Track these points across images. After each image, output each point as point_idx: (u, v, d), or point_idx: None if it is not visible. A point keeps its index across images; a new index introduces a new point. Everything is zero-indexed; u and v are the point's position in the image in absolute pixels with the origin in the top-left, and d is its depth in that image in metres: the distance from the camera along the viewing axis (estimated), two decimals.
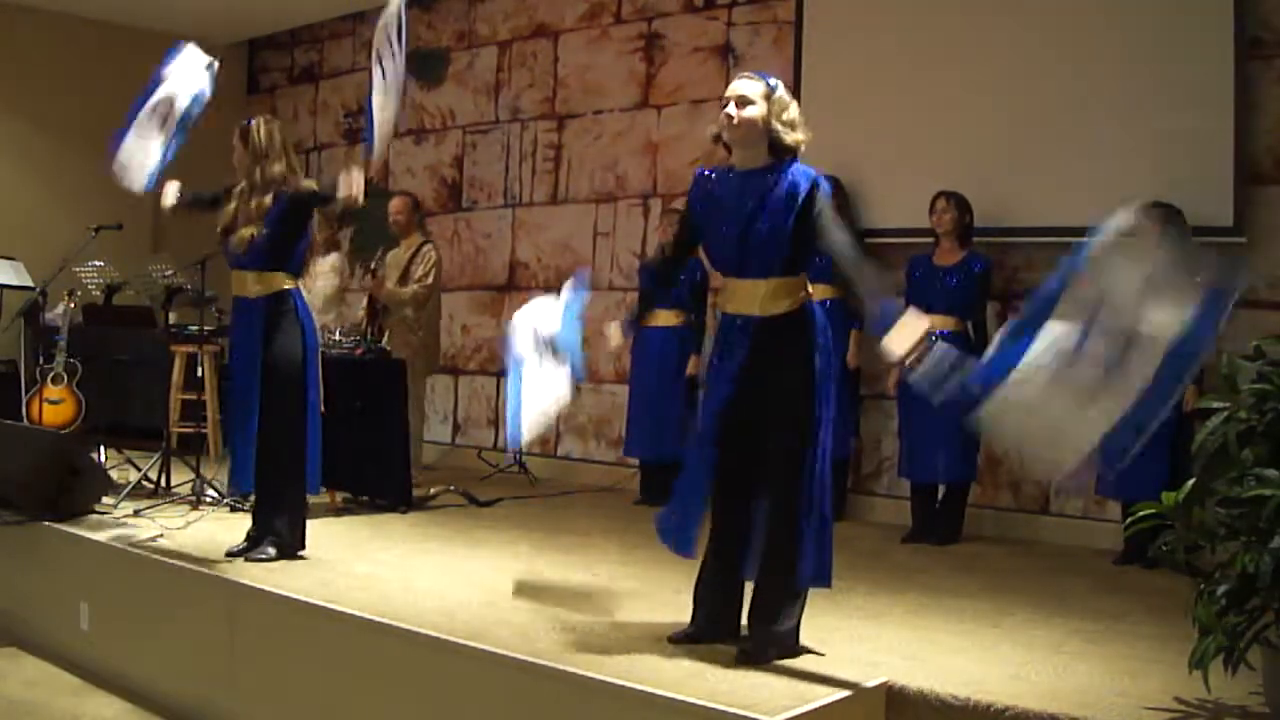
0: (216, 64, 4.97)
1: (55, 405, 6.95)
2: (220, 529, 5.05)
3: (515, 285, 8.33)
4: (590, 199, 7.94)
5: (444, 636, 3.53)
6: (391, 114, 4.54)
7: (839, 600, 3.93)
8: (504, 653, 3.37)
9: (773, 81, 3.44)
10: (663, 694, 3.01)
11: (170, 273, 6.59)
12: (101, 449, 6.64)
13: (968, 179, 5.86)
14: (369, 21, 9.46)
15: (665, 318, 6.59)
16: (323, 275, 6.98)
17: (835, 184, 6.16)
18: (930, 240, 5.84)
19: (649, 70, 7.69)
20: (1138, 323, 2.87)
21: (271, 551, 4.54)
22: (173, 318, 6.63)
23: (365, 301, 6.85)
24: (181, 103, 4.77)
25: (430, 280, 6.75)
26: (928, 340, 3.13)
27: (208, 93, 4.89)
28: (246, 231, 4.53)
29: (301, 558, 4.62)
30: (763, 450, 3.44)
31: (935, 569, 5.01)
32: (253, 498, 4.73)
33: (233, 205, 4.63)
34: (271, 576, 4.25)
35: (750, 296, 3.45)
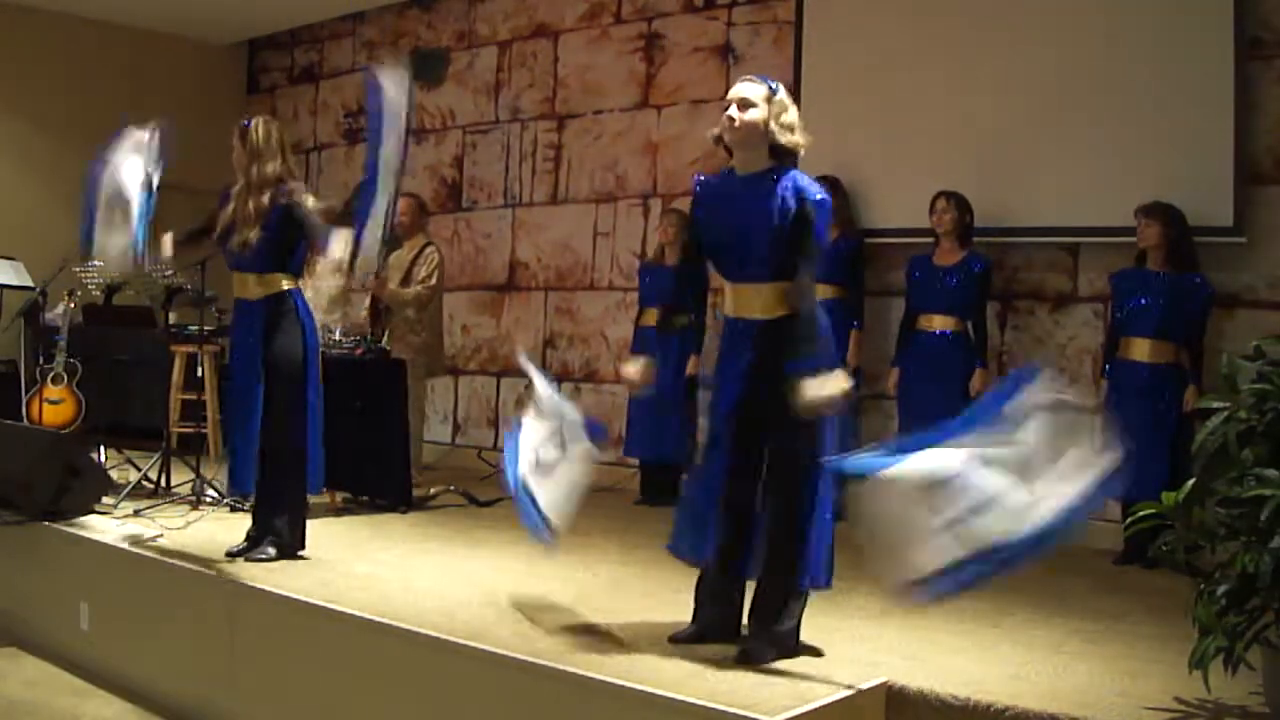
0: (157, 133, 4.95)
1: (55, 405, 6.95)
2: (220, 529, 5.05)
3: (515, 285, 8.34)
4: (590, 199, 7.93)
5: (444, 636, 3.53)
6: (385, 205, 4.53)
7: (839, 600, 3.93)
8: (504, 653, 3.37)
9: (774, 84, 3.44)
10: (663, 694, 3.01)
11: (170, 273, 6.59)
12: (101, 449, 6.64)
13: (968, 179, 5.86)
14: (369, 21, 9.48)
15: None
16: (327, 275, 6.98)
17: (835, 184, 6.20)
18: (930, 240, 5.84)
19: (649, 70, 7.69)
20: (1023, 484, 2.92)
21: (271, 551, 4.55)
22: (173, 318, 6.63)
23: (368, 302, 6.85)
24: (131, 189, 4.77)
25: (433, 282, 6.75)
26: (846, 400, 3.27)
27: (157, 166, 4.86)
28: (246, 234, 4.53)
29: (301, 558, 4.62)
30: (767, 450, 3.44)
31: None
32: (253, 498, 4.73)
33: (231, 207, 4.63)
34: (271, 576, 4.25)
35: (751, 300, 3.45)
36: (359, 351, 6.17)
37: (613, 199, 7.82)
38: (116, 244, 4.81)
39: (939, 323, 5.72)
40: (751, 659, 3.32)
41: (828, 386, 3.23)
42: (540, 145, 8.25)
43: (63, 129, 9.15)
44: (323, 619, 3.86)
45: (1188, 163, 5.47)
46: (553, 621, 3.76)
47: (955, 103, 6.21)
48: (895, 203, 6.34)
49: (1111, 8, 5.80)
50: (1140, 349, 5.26)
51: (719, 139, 3.47)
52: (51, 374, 6.99)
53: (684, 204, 7.00)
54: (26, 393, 7.09)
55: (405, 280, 6.75)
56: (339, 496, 6.00)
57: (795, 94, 3.92)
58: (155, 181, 4.85)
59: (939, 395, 5.63)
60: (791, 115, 3.42)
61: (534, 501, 3.67)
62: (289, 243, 4.63)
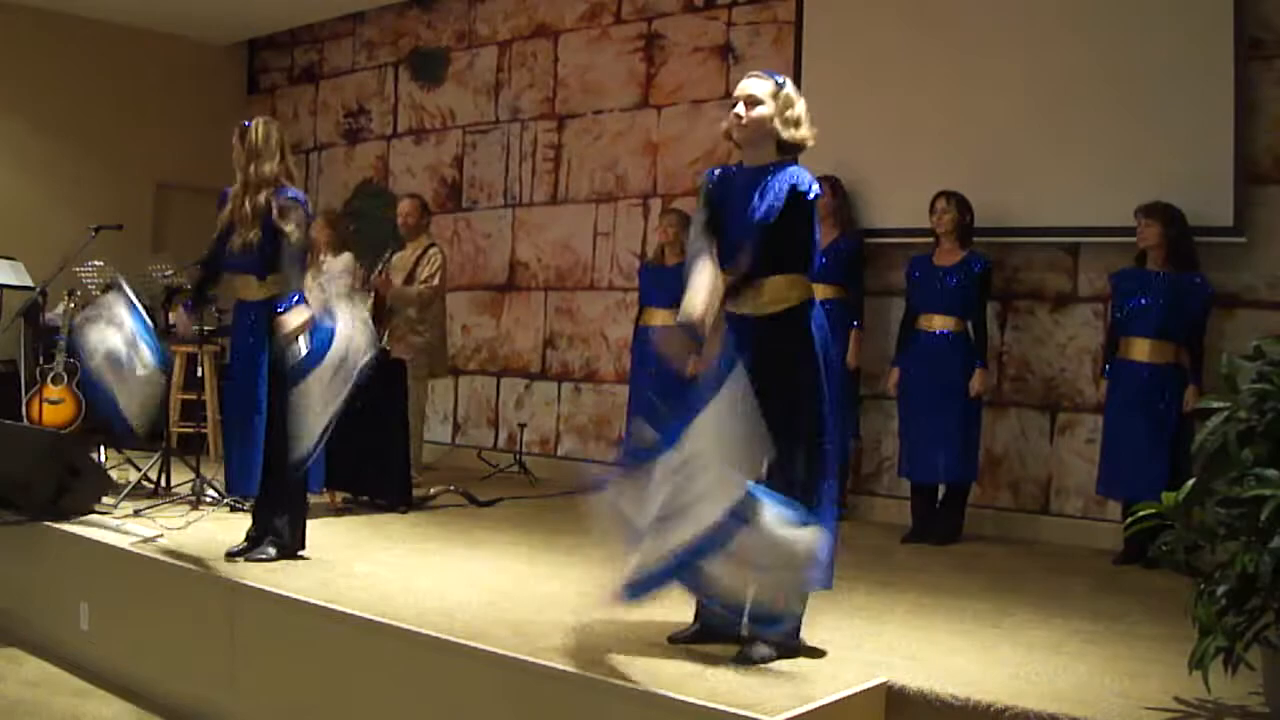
0: (122, 280, 4.97)
1: (55, 405, 6.95)
2: (220, 529, 5.05)
3: (515, 285, 8.34)
4: (590, 199, 7.94)
5: (444, 636, 3.53)
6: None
7: (839, 600, 3.93)
8: (504, 653, 3.37)
9: (780, 79, 3.46)
10: (663, 694, 3.01)
11: (170, 273, 6.60)
12: (101, 449, 6.64)
13: (968, 179, 5.86)
14: (369, 21, 9.48)
15: (664, 317, 6.60)
16: (336, 276, 7.00)
17: (835, 184, 6.20)
18: (930, 240, 5.84)
19: (649, 70, 7.69)
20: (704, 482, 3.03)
21: (271, 551, 4.54)
22: (172, 318, 6.63)
23: (371, 302, 6.86)
24: (122, 349, 4.77)
25: (436, 281, 6.77)
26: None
27: (141, 321, 4.86)
28: (245, 235, 4.52)
29: (301, 558, 4.62)
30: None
31: (935, 569, 5.01)
32: (253, 498, 4.73)
33: (229, 208, 4.62)
34: (271, 576, 4.25)
35: (751, 295, 3.45)
36: None
37: (613, 199, 7.82)
38: (141, 394, 4.78)
39: (939, 323, 5.72)
40: (751, 659, 3.32)
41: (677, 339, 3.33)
42: (540, 145, 8.25)
43: (63, 129, 9.17)
44: (323, 619, 3.86)
45: (1188, 163, 5.47)
46: (553, 621, 3.75)
47: (955, 103, 6.21)
48: (895, 203, 6.34)
49: (1111, 8, 5.79)
50: (1140, 349, 5.26)
51: (728, 135, 3.49)
52: (51, 374, 7.00)
53: (684, 204, 7.02)
54: (26, 393, 7.10)
55: (408, 281, 6.77)
56: (339, 496, 6.00)
57: None
58: (138, 329, 4.83)
59: (939, 395, 5.64)
60: (798, 109, 3.44)
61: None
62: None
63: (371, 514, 5.88)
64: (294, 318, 4.49)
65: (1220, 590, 2.95)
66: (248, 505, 4.95)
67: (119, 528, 5.02)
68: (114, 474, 5.97)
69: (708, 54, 7.38)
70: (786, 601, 3.23)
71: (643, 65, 7.72)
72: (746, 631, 3.49)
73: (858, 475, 6.54)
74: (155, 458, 5.95)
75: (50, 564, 5.06)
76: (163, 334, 6.58)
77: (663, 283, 6.58)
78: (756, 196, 3.39)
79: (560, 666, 3.24)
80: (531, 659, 3.30)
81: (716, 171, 3.58)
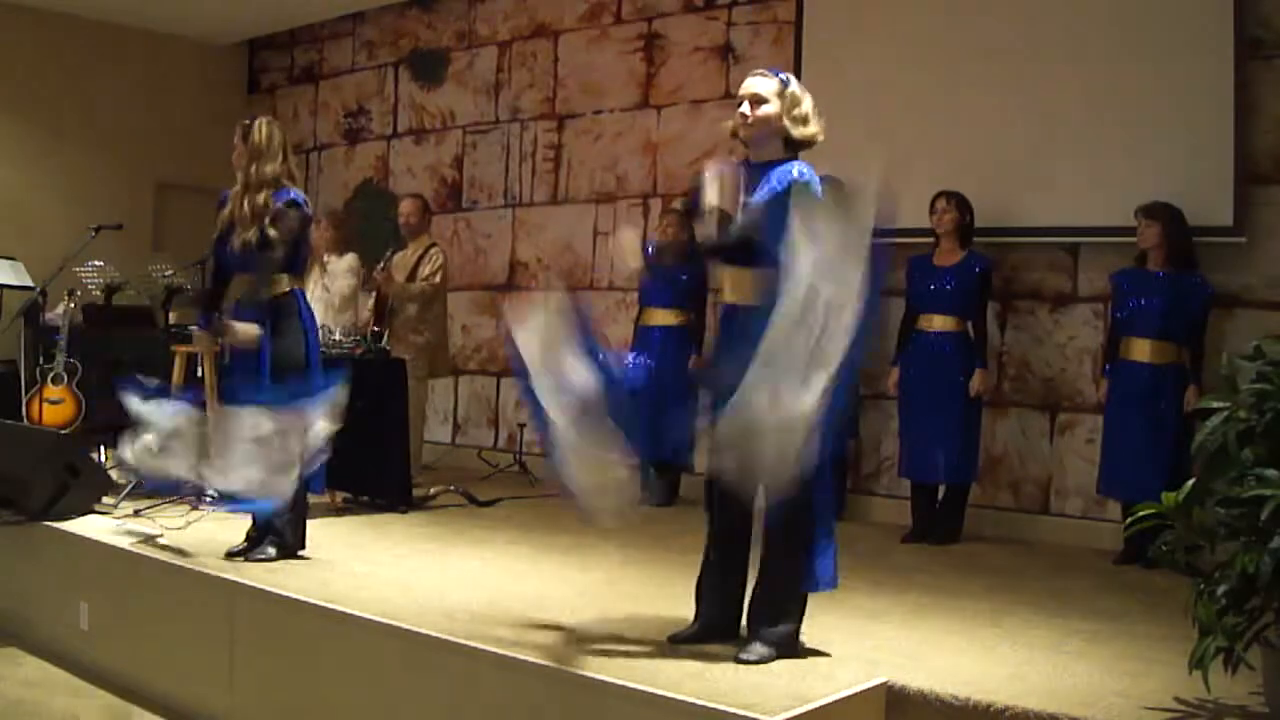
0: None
1: (55, 405, 6.95)
2: (220, 529, 5.05)
3: (515, 285, 8.33)
4: (590, 199, 7.94)
5: (444, 636, 3.53)
6: None
7: (839, 600, 3.92)
8: (504, 653, 3.37)
9: (785, 77, 3.47)
10: (663, 694, 3.01)
11: (170, 273, 6.59)
12: (101, 449, 6.64)
13: (968, 179, 5.86)
14: (369, 21, 9.48)
15: (665, 317, 6.61)
16: (341, 276, 7.01)
17: (836, 185, 6.18)
18: (930, 240, 5.84)
19: (649, 70, 7.69)
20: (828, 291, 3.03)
21: (271, 551, 4.54)
22: (173, 318, 6.63)
23: (372, 301, 6.87)
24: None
25: (437, 279, 6.78)
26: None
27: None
28: (245, 234, 4.52)
29: (301, 558, 4.62)
30: None
31: (935, 569, 5.01)
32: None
33: (229, 208, 4.62)
34: (271, 576, 4.25)
35: (738, 284, 3.48)
36: (359, 351, 6.17)
37: (613, 199, 7.82)
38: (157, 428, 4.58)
39: (939, 323, 5.72)
40: (751, 659, 3.32)
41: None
42: (540, 145, 8.25)
43: (63, 129, 9.17)
44: (323, 619, 3.86)
45: (1188, 163, 5.48)
46: (553, 621, 3.75)
47: (955, 103, 6.21)
48: (895, 203, 6.33)
49: (1111, 8, 5.79)
50: (1141, 349, 5.26)
51: (734, 134, 3.50)
52: (51, 374, 6.99)
53: (684, 204, 7.01)
54: (26, 393, 7.10)
55: (410, 280, 6.79)
56: (339, 496, 6.00)
57: None
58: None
59: (939, 395, 5.64)
60: (805, 106, 3.45)
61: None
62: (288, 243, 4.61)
63: (371, 514, 5.88)
64: (245, 331, 4.51)
65: (1220, 590, 2.95)
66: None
67: (119, 528, 5.02)
68: (114, 474, 5.97)
69: (708, 54, 7.38)
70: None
71: (643, 65, 7.72)
72: (746, 631, 3.50)
73: (858, 475, 6.54)
74: None
75: (50, 564, 5.06)
76: (163, 334, 6.59)
77: (662, 283, 6.58)
78: (756, 189, 3.41)
79: (560, 666, 3.24)
80: (531, 659, 3.30)
81: (720, 167, 3.60)
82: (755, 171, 3.48)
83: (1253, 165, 5.43)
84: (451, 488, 6.56)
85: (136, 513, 5.31)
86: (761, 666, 3.29)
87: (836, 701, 3.05)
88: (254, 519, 4.67)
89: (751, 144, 3.48)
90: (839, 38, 6.68)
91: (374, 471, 6.00)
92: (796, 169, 3.39)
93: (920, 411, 5.72)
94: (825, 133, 3.50)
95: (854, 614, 3.99)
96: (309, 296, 6.72)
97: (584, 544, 5.26)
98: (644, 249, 3.71)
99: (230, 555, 4.54)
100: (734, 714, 2.87)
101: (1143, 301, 5.27)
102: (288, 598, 4.01)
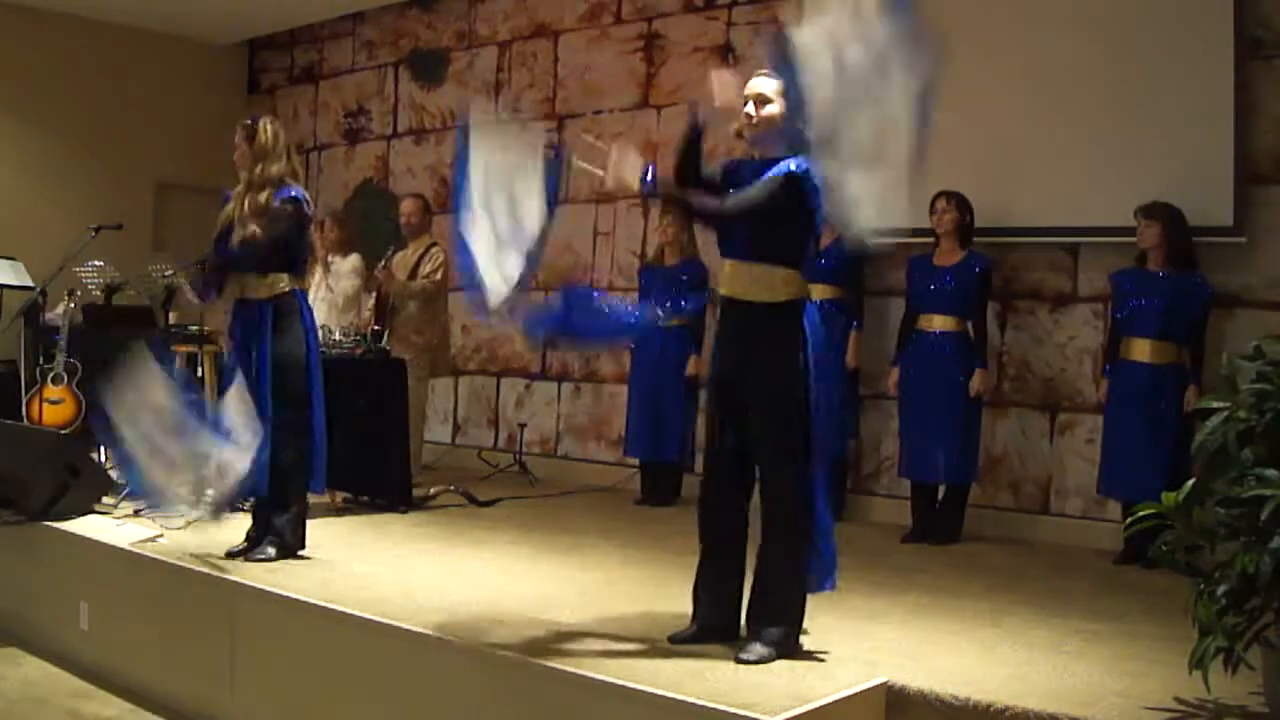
0: None
1: (55, 405, 6.95)
2: (220, 529, 5.05)
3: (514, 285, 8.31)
4: (590, 199, 7.93)
5: (444, 636, 3.53)
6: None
7: (839, 600, 3.92)
8: (504, 653, 3.37)
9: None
10: (663, 694, 3.01)
11: (170, 273, 6.58)
12: (101, 449, 6.63)
13: (968, 179, 5.85)
14: (369, 21, 9.48)
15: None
16: (345, 276, 7.02)
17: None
18: (930, 240, 5.84)
19: (649, 70, 7.68)
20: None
21: (271, 551, 4.54)
22: (173, 318, 6.63)
23: (373, 300, 6.88)
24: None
25: (438, 276, 6.79)
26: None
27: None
28: (242, 233, 4.52)
29: (301, 558, 4.62)
30: (754, 444, 3.46)
31: (935, 569, 5.01)
32: (253, 498, 4.73)
33: (230, 207, 4.62)
34: (271, 576, 4.25)
35: (733, 277, 3.50)
36: (359, 351, 6.17)
37: (613, 199, 7.81)
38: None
39: (939, 323, 5.71)
40: (751, 659, 3.32)
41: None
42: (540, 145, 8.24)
43: (63, 129, 9.17)
44: (323, 619, 3.86)
45: (1188, 163, 5.47)
46: (553, 621, 3.75)
47: (955, 103, 6.16)
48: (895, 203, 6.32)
49: (1111, 7, 5.79)
50: (1141, 349, 5.26)
51: (739, 134, 3.52)
52: (51, 374, 6.99)
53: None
54: (26, 393, 7.09)
55: (411, 279, 6.79)
56: (339, 496, 6.00)
57: None
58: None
59: (939, 395, 5.64)
60: None
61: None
62: (290, 242, 4.61)
63: (371, 514, 5.88)
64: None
65: (1220, 590, 2.95)
66: (248, 505, 4.95)
67: (119, 528, 5.02)
68: (114, 474, 5.96)
69: (708, 54, 7.37)
70: None
71: (643, 65, 7.72)
72: (745, 632, 3.50)
73: (858, 475, 6.54)
74: None
75: (50, 564, 5.06)
76: (163, 334, 6.59)
77: (662, 283, 6.58)
78: (754, 182, 3.44)
79: (560, 666, 3.24)
80: (531, 659, 3.30)
81: (726, 162, 3.62)
82: (757, 166, 3.50)
83: (1253, 165, 5.42)
84: (451, 488, 6.56)
85: (136, 513, 5.30)
86: (761, 666, 3.29)
87: (836, 701, 3.06)
88: (254, 519, 4.68)
89: (755, 144, 3.50)
90: None
91: (374, 471, 6.00)
92: (794, 163, 3.40)
93: (920, 411, 5.72)
94: None
95: (854, 614, 3.99)
96: (313, 297, 6.77)
97: (584, 544, 5.26)
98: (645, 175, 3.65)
99: (230, 555, 4.54)
100: (734, 714, 2.87)
101: (1143, 301, 5.27)
102: (288, 598, 4.01)
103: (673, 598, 3.96)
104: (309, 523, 4.76)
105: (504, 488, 6.98)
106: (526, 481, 7.36)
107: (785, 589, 3.43)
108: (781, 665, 3.32)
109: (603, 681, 3.12)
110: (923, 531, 5.68)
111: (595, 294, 3.95)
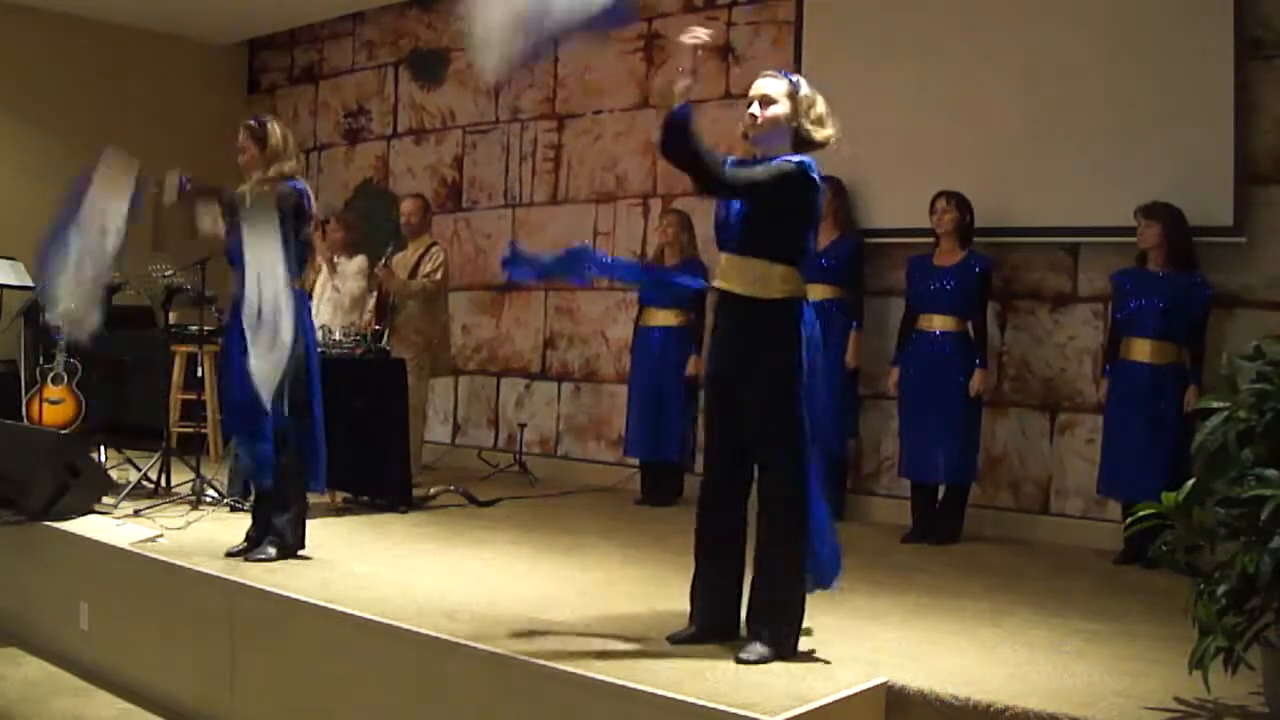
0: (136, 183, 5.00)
1: (55, 405, 6.96)
2: (220, 529, 5.06)
3: (515, 285, 8.33)
4: (590, 199, 7.93)
5: (444, 636, 3.53)
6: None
7: (839, 600, 3.93)
8: (504, 653, 3.37)
9: (795, 79, 3.50)
10: (663, 694, 3.01)
11: (170, 273, 6.59)
12: (101, 449, 6.64)
13: (968, 179, 5.86)
14: (369, 21, 9.48)
15: (665, 318, 6.61)
16: (351, 277, 7.02)
17: (836, 184, 6.19)
18: (930, 240, 5.84)
19: (649, 70, 7.68)
20: None
21: (271, 551, 4.55)
22: (173, 318, 6.63)
23: (374, 300, 6.88)
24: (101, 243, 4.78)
25: (439, 276, 6.80)
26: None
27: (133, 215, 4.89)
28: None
29: (302, 558, 4.62)
30: (750, 444, 3.47)
31: (935, 569, 5.01)
32: (253, 497, 4.73)
33: (240, 196, 4.64)
34: (271, 576, 4.25)
35: (727, 270, 3.50)
36: (359, 351, 6.17)
37: (613, 199, 7.81)
38: (75, 298, 4.76)
39: (939, 323, 5.71)
40: (751, 659, 3.32)
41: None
42: (540, 145, 8.25)
43: (62, 129, 9.15)
44: (323, 619, 3.87)
45: (1188, 163, 5.47)
46: (553, 621, 3.76)
47: (956, 103, 6.20)
48: (895, 203, 6.34)
49: (1111, 8, 5.79)
50: (1141, 349, 5.26)
51: (745, 135, 3.52)
52: (51, 374, 7.00)
53: (684, 204, 7.01)
54: (26, 393, 7.10)
55: (411, 278, 6.80)
56: (339, 496, 6.00)
57: None
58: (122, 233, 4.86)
59: (939, 395, 5.64)
60: (820, 108, 3.49)
61: None
62: (287, 236, 4.62)
63: (371, 514, 5.88)
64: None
65: (1220, 590, 2.95)
66: (248, 505, 4.96)
67: (119, 528, 5.02)
68: (114, 474, 5.97)
69: (708, 54, 7.35)
70: None
71: (643, 65, 7.72)
72: (745, 632, 3.51)
73: (858, 475, 6.54)
74: (155, 458, 5.95)
75: (50, 564, 5.06)
76: (163, 334, 6.61)
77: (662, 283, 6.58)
78: None
79: (560, 666, 3.24)
80: (531, 659, 3.30)
81: (730, 158, 3.63)
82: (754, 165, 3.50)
83: (1253, 165, 5.42)
84: (451, 488, 6.56)
85: (136, 513, 5.31)
86: (761, 666, 3.29)
87: (836, 701, 3.06)
88: (254, 519, 4.68)
89: (760, 145, 3.50)
90: (839, 38, 6.68)
91: (374, 471, 6.00)
92: (798, 159, 3.40)
93: (920, 411, 5.72)
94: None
95: (854, 614, 3.99)
96: (319, 297, 6.78)
97: (584, 544, 5.26)
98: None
99: (230, 555, 4.54)
100: (734, 714, 2.87)
101: (1143, 302, 5.27)
102: (288, 598, 4.01)
103: (673, 598, 3.96)
104: (309, 523, 4.76)
105: (504, 488, 6.98)
106: (526, 481, 7.36)
107: (785, 588, 3.43)
108: (781, 665, 3.32)
109: (603, 681, 3.12)
110: (923, 531, 5.68)
111: (600, 253, 4.04)
